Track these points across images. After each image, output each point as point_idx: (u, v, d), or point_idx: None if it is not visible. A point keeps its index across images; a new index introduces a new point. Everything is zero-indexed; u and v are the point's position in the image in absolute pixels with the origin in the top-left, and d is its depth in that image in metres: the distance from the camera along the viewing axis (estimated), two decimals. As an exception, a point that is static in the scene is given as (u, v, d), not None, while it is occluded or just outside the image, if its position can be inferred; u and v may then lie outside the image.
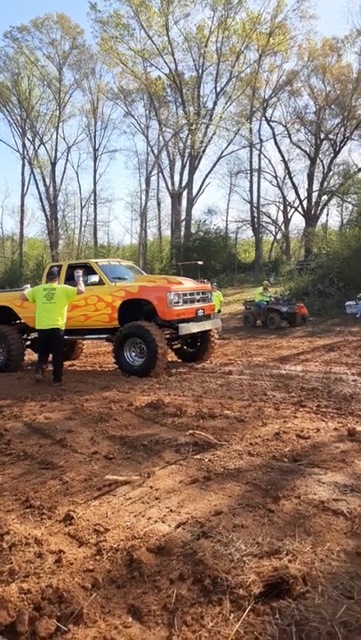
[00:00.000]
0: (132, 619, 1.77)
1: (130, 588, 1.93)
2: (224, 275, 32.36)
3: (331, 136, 36.79)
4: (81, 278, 7.47)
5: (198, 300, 8.14)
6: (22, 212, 42.25)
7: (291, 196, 40.77)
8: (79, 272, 7.61)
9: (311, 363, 8.29)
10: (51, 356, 7.52)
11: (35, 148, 41.04)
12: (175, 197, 37.83)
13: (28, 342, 9.41)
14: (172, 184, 39.25)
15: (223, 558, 2.07)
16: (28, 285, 8.53)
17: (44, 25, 37.64)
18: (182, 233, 36.71)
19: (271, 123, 37.68)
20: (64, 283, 8.06)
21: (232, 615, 1.74)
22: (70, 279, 8.48)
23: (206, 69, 35.19)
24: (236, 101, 36.53)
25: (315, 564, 2.01)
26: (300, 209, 38.75)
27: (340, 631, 1.63)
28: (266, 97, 36.82)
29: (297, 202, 39.05)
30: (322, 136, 36.76)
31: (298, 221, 49.87)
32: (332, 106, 35.48)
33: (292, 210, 40.66)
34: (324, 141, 37.22)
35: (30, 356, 9.91)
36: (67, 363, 9.82)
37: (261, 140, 38.02)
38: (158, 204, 44.74)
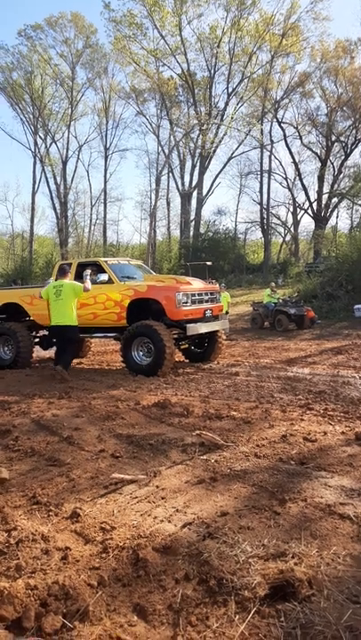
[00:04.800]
0: (137, 617, 1.77)
1: (135, 587, 1.94)
2: (232, 275, 32.38)
3: (342, 138, 36.65)
4: (89, 277, 7.50)
5: (206, 301, 8.13)
6: (33, 209, 42.60)
7: (301, 198, 40.85)
8: (88, 271, 7.68)
9: (319, 365, 8.26)
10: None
11: (46, 146, 41.41)
12: (185, 197, 37.87)
13: (37, 339, 9.46)
14: (182, 184, 39.33)
15: (229, 559, 2.07)
16: (52, 280, 8.28)
17: (58, 23, 37.95)
18: (191, 233, 36.74)
19: (282, 124, 37.63)
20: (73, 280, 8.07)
21: (237, 616, 1.74)
22: (79, 277, 8.52)
23: (218, 70, 35.28)
24: (247, 102, 36.54)
25: (321, 568, 2.01)
26: (309, 211, 38.68)
27: (346, 635, 1.62)
28: (277, 98, 36.79)
29: (307, 204, 39.03)
30: (333, 138, 36.61)
31: (307, 223, 49.84)
32: (344, 108, 35.31)
33: (302, 212, 40.66)
34: (335, 143, 37.07)
35: (39, 352, 9.96)
36: (75, 361, 9.86)
37: (272, 142, 37.97)
38: (168, 204, 44.89)
